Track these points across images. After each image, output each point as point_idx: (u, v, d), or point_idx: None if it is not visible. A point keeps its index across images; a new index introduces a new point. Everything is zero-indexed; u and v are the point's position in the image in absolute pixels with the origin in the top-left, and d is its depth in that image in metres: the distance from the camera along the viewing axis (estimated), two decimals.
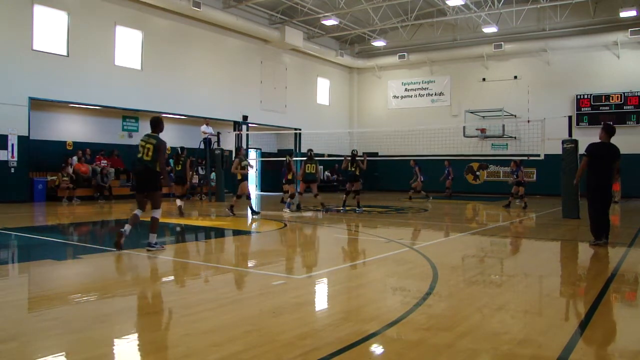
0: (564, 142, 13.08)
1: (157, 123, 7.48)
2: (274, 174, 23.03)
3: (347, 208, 14.63)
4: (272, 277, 5.96)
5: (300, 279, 5.70)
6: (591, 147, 8.17)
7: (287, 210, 14.13)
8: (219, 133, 19.80)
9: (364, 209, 14.63)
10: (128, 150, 20.18)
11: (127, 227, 7.19)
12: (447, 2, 21.59)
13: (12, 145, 15.50)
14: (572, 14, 23.07)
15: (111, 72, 17.95)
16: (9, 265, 6.77)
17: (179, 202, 12.99)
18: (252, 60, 23.43)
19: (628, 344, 3.78)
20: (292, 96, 25.56)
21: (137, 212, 7.33)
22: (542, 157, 14.01)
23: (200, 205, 16.51)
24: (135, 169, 7.71)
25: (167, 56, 19.75)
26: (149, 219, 7.30)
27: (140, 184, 7.38)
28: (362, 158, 14.87)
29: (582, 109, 23.45)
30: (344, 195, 14.92)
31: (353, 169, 14.45)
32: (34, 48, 15.99)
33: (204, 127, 19.30)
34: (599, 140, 8.20)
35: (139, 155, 7.30)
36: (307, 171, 14.42)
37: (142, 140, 7.37)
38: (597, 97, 23.17)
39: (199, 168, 20.39)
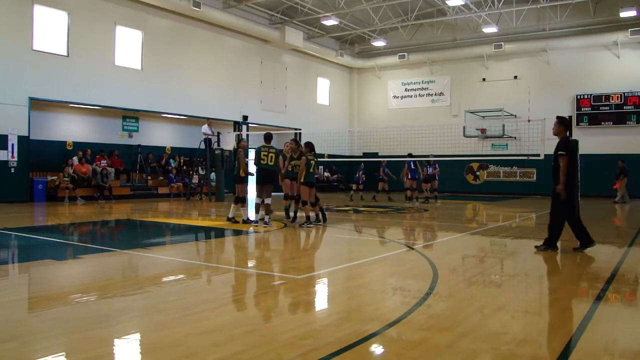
0: None
1: (270, 136, 10.33)
2: None
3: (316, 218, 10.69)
4: (272, 277, 5.96)
5: (300, 279, 5.69)
6: (573, 143, 7.37)
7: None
8: (219, 133, 19.80)
9: (313, 223, 10.38)
10: (128, 150, 20.20)
11: (267, 217, 9.90)
12: (447, 2, 21.59)
13: (12, 145, 15.50)
14: (572, 14, 23.07)
15: (111, 72, 17.94)
16: (9, 265, 6.77)
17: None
18: (252, 60, 23.42)
19: (628, 344, 3.77)
20: (292, 96, 25.54)
21: (267, 200, 9.93)
22: (542, 157, 14.00)
23: (201, 205, 16.51)
24: (261, 170, 10.15)
25: (167, 56, 19.75)
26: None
27: (263, 180, 10.12)
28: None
29: (582, 109, 23.45)
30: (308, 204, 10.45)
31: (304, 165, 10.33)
32: (34, 48, 15.99)
33: (205, 128, 19.26)
34: (566, 137, 7.37)
35: (263, 162, 10.00)
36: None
37: (262, 150, 10.04)
38: (597, 97, 23.17)
39: (199, 168, 20.39)
